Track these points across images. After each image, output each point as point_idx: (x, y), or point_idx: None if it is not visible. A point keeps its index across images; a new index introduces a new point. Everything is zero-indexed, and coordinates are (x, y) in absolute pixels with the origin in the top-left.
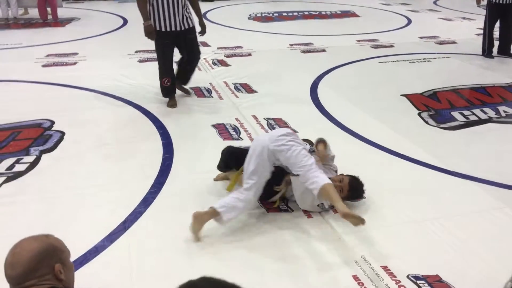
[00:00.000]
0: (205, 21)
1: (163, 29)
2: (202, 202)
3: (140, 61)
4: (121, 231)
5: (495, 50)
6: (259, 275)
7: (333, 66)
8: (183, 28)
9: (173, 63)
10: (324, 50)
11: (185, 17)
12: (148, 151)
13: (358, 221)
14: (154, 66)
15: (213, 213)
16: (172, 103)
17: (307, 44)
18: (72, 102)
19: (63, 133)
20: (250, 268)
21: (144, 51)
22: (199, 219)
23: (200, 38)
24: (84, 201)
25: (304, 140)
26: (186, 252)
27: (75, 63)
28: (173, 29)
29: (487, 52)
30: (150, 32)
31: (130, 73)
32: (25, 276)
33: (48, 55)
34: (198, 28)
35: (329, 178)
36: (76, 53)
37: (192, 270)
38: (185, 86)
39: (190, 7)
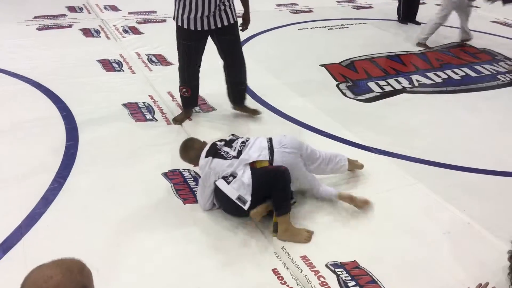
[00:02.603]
0: None
1: (185, 26)
2: (111, 198)
3: (39, 28)
4: (16, 238)
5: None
6: (168, 275)
7: (252, 33)
8: (213, 27)
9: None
10: None
11: (220, 11)
12: (48, 138)
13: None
14: (57, 34)
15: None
16: (180, 118)
17: None
18: None
19: None
20: (161, 267)
21: (44, 16)
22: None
23: (110, 1)
24: None
25: None
26: (93, 261)
27: None
28: (198, 28)
29: (402, 17)
30: None
31: (27, 43)
32: None
33: None
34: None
35: None
36: None
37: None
38: (248, 106)
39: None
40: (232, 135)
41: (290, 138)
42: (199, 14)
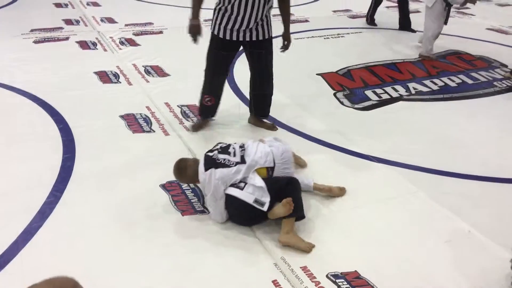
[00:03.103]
0: None
1: (221, 35)
2: (108, 210)
3: (36, 42)
4: (13, 253)
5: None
6: (167, 287)
7: None
8: (248, 39)
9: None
10: None
11: (257, 25)
12: (45, 151)
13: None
14: (54, 47)
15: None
16: (197, 126)
17: None
18: None
19: None
20: (160, 279)
21: (40, 29)
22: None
23: (107, 13)
24: None
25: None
26: (91, 276)
27: None
28: (234, 38)
29: (370, 20)
30: (194, 32)
31: (23, 56)
32: None
33: None
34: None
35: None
36: None
37: None
38: (266, 120)
39: (270, 13)
40: (220, 143)
41: (288, 152)
42: (236, 27)
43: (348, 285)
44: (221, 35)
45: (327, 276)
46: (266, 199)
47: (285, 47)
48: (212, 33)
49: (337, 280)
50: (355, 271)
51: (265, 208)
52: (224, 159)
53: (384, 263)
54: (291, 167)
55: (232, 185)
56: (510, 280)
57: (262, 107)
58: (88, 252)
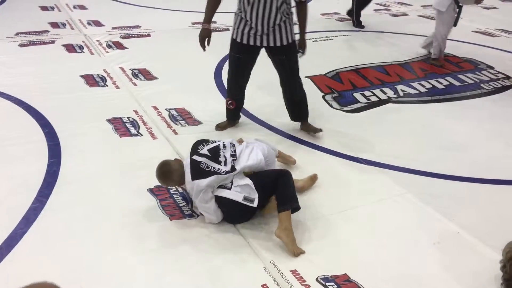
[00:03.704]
0: None
1: (238, 39)
2: (95, 215)
3: (21, 45)
4: None
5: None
6: None
7: None
8: (265, 45)
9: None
10: (228, 29)
11: (274, 30)
12: (30, 156)
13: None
14: (39, 50)
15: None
16: (222, 126)
17: None
18: None
19: None
20: (147, 285)
21: (26, 33)
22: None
23: (94, 16)
24: None
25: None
26: (75, 282)
27: None
28: (251, 43)
29: (356, 23)
30: (203, 35)
31: (9, 60)
32: None
33: None
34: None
35: None
36: None
37: None
38: (310, 124)
39: (290, 18)
40: (206, 142)
41: (270, 150)
42: (252, 32)
43: None
44: (238, 39)
45: (317, 279)
46: (254, 195)
47: (302, 53)
48: (231, 37)
49: (327, 284)
50: (345, 274)
51: (254, 204)
52: (214, 168)
53: (373, 265)
54: (274, 164)
55: (220, 186)
56: (500, 281)
57: (298, 112)
58: (73, 258)
